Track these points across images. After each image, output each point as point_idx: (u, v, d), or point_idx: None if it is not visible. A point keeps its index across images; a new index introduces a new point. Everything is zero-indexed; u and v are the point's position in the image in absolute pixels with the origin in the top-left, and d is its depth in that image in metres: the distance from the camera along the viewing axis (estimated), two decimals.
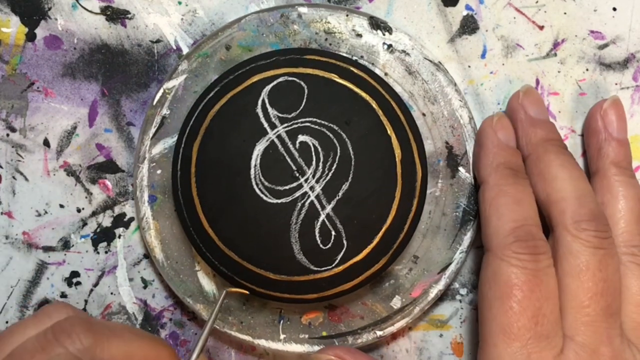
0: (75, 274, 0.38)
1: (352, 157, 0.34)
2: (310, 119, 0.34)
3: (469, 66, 0.37)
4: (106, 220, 0.38)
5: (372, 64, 0.37)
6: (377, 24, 0.36)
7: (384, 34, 0.36)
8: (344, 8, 0.37)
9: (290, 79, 0.35)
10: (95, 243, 0.38)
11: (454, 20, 0.37)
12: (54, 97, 0.38)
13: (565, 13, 0.37)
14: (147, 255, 0.38)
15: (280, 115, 0.34)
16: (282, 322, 0.37)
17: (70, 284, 0.38)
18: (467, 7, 0.37)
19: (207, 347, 0.38)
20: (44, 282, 0.38)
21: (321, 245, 0.34)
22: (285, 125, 0.34)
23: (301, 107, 0.34)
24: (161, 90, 0.36)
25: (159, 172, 0.37)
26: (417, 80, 0.36)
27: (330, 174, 0.34)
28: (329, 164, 0.34)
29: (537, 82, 0.38)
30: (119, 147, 0.38)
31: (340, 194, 0.34)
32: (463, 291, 0.38)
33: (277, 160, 0.34)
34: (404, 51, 0.36)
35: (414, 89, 0.36)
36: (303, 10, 0.36)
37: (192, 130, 0.35)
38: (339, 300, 0.37)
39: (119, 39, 0.37)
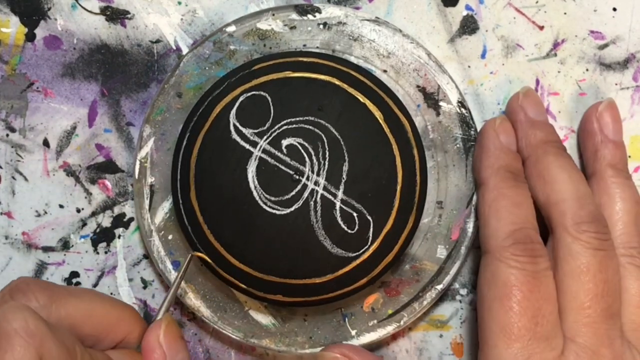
0: (74, 274, 0.38)
1: (339, 137, 0.34)
2: (285, 121, 0.35)
3: (469, 66, 0.37)
4: (106, 220, 0.38)
5: (317, 47, 0.37)
6: (304, 10, 0.36)
7: (314, 16, 0.36)
8: (267, 9, 0.37)
9: (249, 94, 0.35)
10: (94, 243, 0.38)
11: (454, 21, 0.37)
12: (54, 97, 0.38)
13: (565, 13, 0.37)
14: (147, 256, 0.38)
15: (255, 131, 0.35)
16: (346, 319, 0.37)
17: (70, 284, 0.38)
18: (467, 7, 0.37)
19: (207, 348, 0.38)
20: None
21: (349, 231, 0.34)
22: (265, 138, 0.35)
23: (272, 115, 0.35)
24: (137, 162, 0.37)
25: (170, 237, 0.37)
26: (364, 44, 0.37)
27: (327, 162, 0.35)
28: (321, 154, 0.35)
29: (537, 82, 0.38)
30: (118, 147, 0.38)
31: (344, 176, 0.34)
32: (463, 291, 0.38)
33: (272, 173, 0.34)
34: (339, 22, 0.36)
35: (365, 52, 0.37)
36: (230, 29, 0.36)
37: (183, 185, 0.35)
38: (389, 275, 0.36)
39: (119, 39, 0.37)
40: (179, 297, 0.37)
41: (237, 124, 0.35)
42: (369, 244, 0.34)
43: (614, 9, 0.37)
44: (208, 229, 0.35)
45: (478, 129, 0.37)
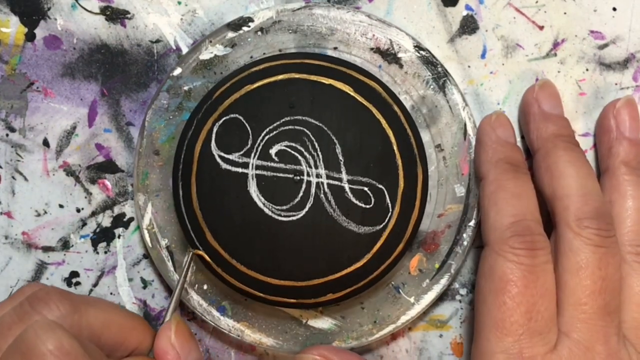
0: (74, 274, 0.38)
1: (321, 124, 0.35)
2: (264, 131, 0.35)
3: (469, 66, 0.37)
4: (106, 220, 0.38)
5: (264, 54, 0.36)
6: (237, 25, 0.36)
7: (249, 26, 0.36)
8: (203, 38, 0.37)
9: (220, 122, 0.35)
10: (94, 243, 0.38)
11: (454, 20, 0.37)
12: (54, 97, 0.38)
13: (565, 13, 0.37)
14: (147, 255, 0.38)
15: (241, 153, 0.35)
16: (400, 290, 0.37)
17: (69, 284, 0.38)
18: (467, 7, 0.37)
19: (207, 347, 0.38)
20: (44, 282, 0.38)
21: (367, 206, 0.35)
22: (253, 154, 0.35)
23: (250, 132, 0.35)
24: (145, 232, 0.37)
25: (205, 286, 0.37)
26: (304, 31, 0.36)
27: (319, 152, 0.35)
28: (310, 147, 0.35)
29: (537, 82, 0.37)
30: (118, 147, 0.38)
31: (340, 157, 0.35)
32: (463, 291, 0.38)
33: (274, 184, 0.35)
34: (275, 22, 0.36)
35: (309, 39, 0.37)
36: (177, 72, 0.36)
37: (197, 232, 0.35)
38: (422, 231, 0.36)
39: (119, 39, 0.37)
40: (236, 337, 0.37)
41: (222, 154, 0.35)
42: (390, 210, 0.34)
43: (614, 9, 0.37)
44: (238, 262, 0.35)
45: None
